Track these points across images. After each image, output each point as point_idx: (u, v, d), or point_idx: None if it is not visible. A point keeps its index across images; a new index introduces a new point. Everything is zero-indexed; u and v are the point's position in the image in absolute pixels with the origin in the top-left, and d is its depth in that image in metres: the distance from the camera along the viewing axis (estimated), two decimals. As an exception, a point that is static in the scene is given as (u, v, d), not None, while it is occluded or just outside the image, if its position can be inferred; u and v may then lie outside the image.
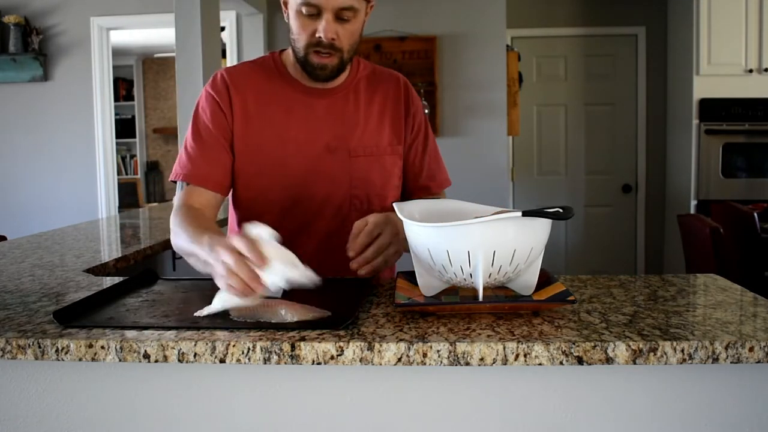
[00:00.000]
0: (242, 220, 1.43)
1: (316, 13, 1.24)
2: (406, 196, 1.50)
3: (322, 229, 1.40)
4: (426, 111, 4.08)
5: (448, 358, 0.86)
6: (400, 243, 1.21)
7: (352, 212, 1.39)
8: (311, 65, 1.30)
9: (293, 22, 1.28)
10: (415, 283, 1.09)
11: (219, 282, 0.98)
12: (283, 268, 0.96)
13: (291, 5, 1.28)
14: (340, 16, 1.24)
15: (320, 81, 1.35)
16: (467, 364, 0.86)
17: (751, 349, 0.85)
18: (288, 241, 1.36)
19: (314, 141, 1.37)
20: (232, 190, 1.41)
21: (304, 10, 1.24)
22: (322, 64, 1.29)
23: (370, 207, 1.40)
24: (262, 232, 1.01)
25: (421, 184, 1.49)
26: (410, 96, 1.47)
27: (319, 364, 0.88)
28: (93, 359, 0.90)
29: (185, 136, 1.40)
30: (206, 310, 1.01)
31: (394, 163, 1.44)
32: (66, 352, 0.90)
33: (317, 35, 1.25)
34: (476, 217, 0.97)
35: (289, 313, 0.97)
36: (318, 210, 1.39)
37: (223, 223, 2.07)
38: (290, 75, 1.39)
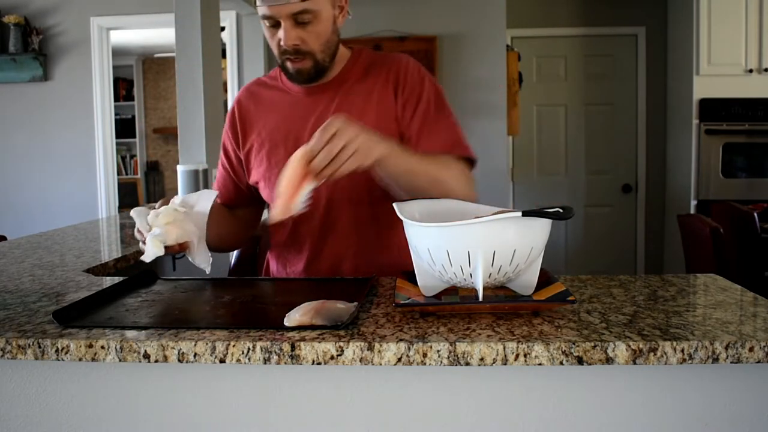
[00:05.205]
0: (278, 230, 1.47)
1: (275, 24, 1.27)
2: None
3: (346, 224, 1.39)
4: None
5: (448, 358, 0.86)
6: (363, 142, 1.08)
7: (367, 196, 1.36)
8: (288, 72, 1.34)
9: (266, 35, 1.32)
10: (415, 283, 1.09)
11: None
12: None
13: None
14: (299, 20, 1.25)
15: (302, 84, 1.38)
16: (467, 364, 0.86)
17: (751, 349, 0.85)
18: (323, 242, 1.41)
19: (306, 138, 1.33)
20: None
21: (266, 22, 1.28)
22: (296, 69, 1.32)
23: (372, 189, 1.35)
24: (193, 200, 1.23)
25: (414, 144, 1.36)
26: (402, 74, 1.38)
27: (319, 364, 0.88)
28: (93, 359, 0.90)
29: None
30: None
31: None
32: (66, 352, 0.90)
33: (281, 44, 1.28)
34: (476, 217, 0.97)
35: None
36: (337, 207, 1.38)
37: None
38: (287, 81, 1.42)
